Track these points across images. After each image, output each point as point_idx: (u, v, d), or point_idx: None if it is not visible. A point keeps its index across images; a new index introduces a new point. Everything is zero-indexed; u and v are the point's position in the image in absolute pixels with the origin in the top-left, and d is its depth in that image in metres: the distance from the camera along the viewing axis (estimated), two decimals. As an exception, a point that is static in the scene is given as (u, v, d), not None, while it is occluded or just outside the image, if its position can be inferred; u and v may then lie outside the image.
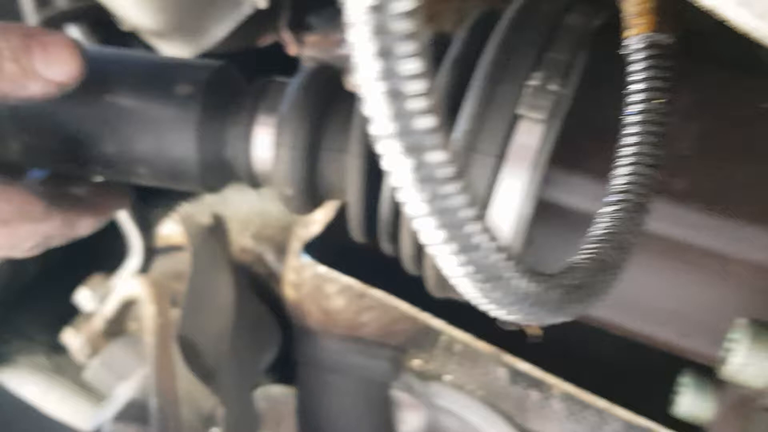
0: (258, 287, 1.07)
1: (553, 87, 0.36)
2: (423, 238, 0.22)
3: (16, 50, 0.43)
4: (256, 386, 0.97)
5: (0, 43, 0.42)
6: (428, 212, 0.21)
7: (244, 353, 0.87)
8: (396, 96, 0.19)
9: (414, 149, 0.20)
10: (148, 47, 0.98)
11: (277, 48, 1.07)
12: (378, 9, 0.18)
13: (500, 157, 0.37)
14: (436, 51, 0.45)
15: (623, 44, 0.34)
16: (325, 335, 0.80)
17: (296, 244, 0.84)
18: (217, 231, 0.91)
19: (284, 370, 1.09)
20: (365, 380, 0.80)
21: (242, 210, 1.14)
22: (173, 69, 0.50)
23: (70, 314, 1.01)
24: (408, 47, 0.18)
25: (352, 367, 0.79)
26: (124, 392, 0.81)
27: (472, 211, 0.21)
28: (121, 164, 0.50)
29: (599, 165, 0.37)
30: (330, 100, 0.48)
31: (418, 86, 0.19)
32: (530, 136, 0.36)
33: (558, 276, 0.26)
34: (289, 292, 0.85)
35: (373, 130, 0.20)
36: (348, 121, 0.47)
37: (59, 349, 1.20)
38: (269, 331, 0.99)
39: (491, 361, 1.09)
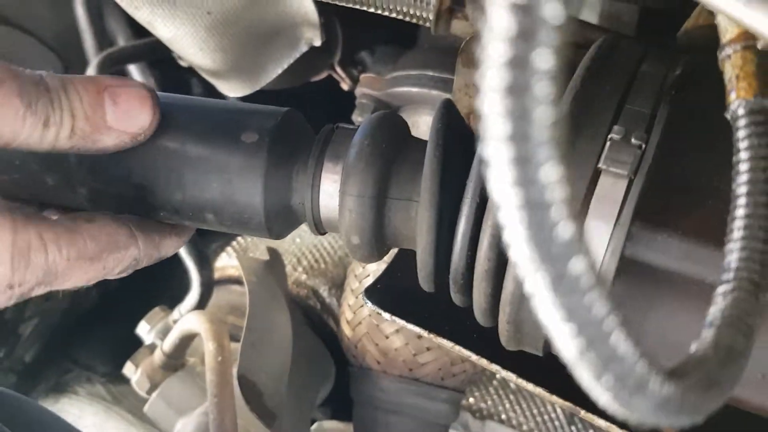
0: (312, 321, 1.07)
1: (635, 141, 0.35)
2: (556, 345, 0.21)
3: (88, 106, 0.43)
4: (312, 422, 0.97)
5: (74, 101, 0.43)
6: (565, 318, 0.20)
7: (302, 389, 0.87)
8: (535, 206, 0.18)
9: (554, 259, 0.19)
10: (205, 83, 1.00)
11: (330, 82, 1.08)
12: (517, 114, 0.17)
13: (581, 213, 0.36)
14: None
15: (725, 105, 0.33)
16: (382, 375, 0.79)
17: (354, 283, 0.84)
18: (273, 266, 0.91)
19: (337, 405, 1.08)
20: (424, 422, 0.79)
21: (295, 244, 1.15)
22: (239, 116, 0.50)
23: (129, 345, 1.03)
24: (547, 152, 0.17)
25: (411, 409, 0.78)
26: (183, 430, 0.81)
27: (615, 320, 0.20)
28: (188, 211, 0.50)
29: (686, 222, 0.36)
30: (396, 147, 0.48)
31: (559, 194, 0.18)
32: (612, 191, 0.35)
33: (691, 373, 0.24)
34: (345, 330, 0.84)
35: (506, 237, 0.19)
36: (415, 169, 0.46)
37: (118, 380, 1.22)
38: (324, 366, 0.99)
39: (548, 400, 1.07)
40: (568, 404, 0.48)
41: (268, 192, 0.48)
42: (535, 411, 1.05)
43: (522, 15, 0.16)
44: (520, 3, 0.16)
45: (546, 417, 1.04)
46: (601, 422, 0.47)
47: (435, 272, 0.46)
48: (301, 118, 0.52)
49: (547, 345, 0.43)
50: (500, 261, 0.40)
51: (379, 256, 0.50)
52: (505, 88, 0.17)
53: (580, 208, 0.36)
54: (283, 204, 0.49)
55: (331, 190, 0.48)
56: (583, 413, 0.47)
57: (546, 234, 0.18)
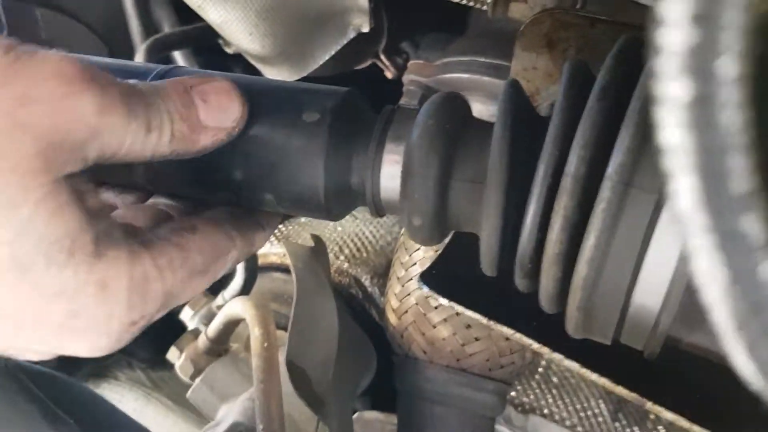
0: (354, 310, 1.06)
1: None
2: (712, 313, 0.19)
3: (182, 107, 0.43)
4: (353, 412, 0.96)
5: (168, 103, 0.42)
6: (732, 280, 0.18)
7: (346, 378, 0.86)
8: (712, 152, 0.16)
9: (726, 213, 0.17)
10: (248, 71, 1.00)
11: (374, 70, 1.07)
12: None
13: (662, 194, 0.35)
14: (578, 78, 0.43)
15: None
16: (429, 365, 0.78)
17: (400, 271, 0.83)
18: (318, 253, 0.91)
19: (377, 396, 1.08)
20: (470, 413, 0.78)
21: (337, 232, 1.14)
22: (301, 95, 0.50)
23: (169, 331, 1.03)
24: None
25: (458, 399, 0.77)
26: (228, 415, 0.81)
27: None
28: (246, 191, 0.50)
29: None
30: (460, 128, 0.46)
31: (740, 140, 0.16)
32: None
33: None
34: (391, 318, 0.83)
35: (672, 187, 0.18)
36: (481, 150, 0.45)
37: (157, 366, 1.23)
38: (366, 356, 0.98)
39: (591, 395, 1.05)
40: (634, 395, 0.47)
41: (328, 172, 0.47)
42: (578, 406, 1.04)
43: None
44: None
45: (590, 413, 1.02)
46: (668, 414, 0.45)
47: (500, 256, 0.45)
48: (362, 98, 0.51)
49: (617, 332, 0.42)
50: (572, 244, 0.39)
51: (440, 239, 0.49)
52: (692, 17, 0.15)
53: (660, 189, 0.35)
54: (343, 185, 0.49)
55: (392, 171, 0.47)
56: (649, 405, 0.46)
57: (719, 185, 0.17)
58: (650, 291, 0.38)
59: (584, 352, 0.50)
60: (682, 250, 0.35)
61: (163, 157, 0.43)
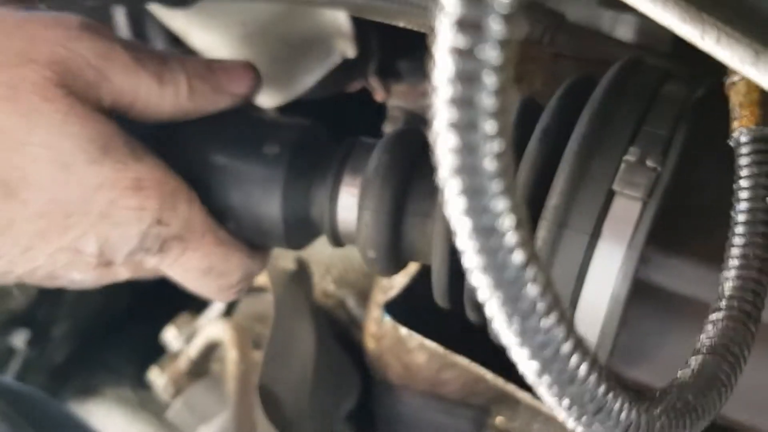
0: (338, 332, 1.07)
1: (650, 163, 0.34)
2: (519, 367, 0.21)
3: (200, 68, 0.47)
4: (334, 434, 0.97)
5: (185, 64, 0.46)
6: (520, 342, 0.20)
7: (324, 401, 0.87)
8: (487, 233, 0.18)
9: (508, 284, 0.19)
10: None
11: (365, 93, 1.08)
12: (467, 149, 0.17)
13: (594, 234, 0.35)
14: (526, 116, 0.44)
15: (729, 134, 0.32)
16: (405, 390, 0.79)
17: (379, 296, 0.83)
18: (300, 277, 0.92)
19: (363, 418, 1.08)
20: (445, 439, 0.78)
21: (325, 254, 1.15)
22: (263, 128, 0.51)
23: (157, 350, 1.04)
24: (499, 185, 0.17)
25: (433, 426, 0.77)
26: (204, 436, 0.82)
27: (571, 343, 0.20)
28: None
29: (700, 248, 0.35)
30: (414, 164, 0.47)
31: (510, 221, 0.18)
32: (626, 213, 0.34)
33: (665, 398, 0.24)
34: (369, 343, 0.84)
35: (465, 263, 0.20)
36: (433, 185, 0.46)
37: (144, 384, 1.24)
38: (349, 378, 0.98)
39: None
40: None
41: (286, 203, 0.48)
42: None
43: (464, 59, 0.18)
44: (462, 47, 0.18)
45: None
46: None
47: (450, 289, 0.46)
48: (323, 131, 0.52)
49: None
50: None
51: (396, 270, 0.50)
52: (453, 125, 0.17)
53: (592, 230, 0.35)
54: (302, 216, 0.50)
55: (349, 204, 0.48)
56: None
57: (500, 260, 0.18)
58: (586, 328, 0.38)
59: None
60: (613, 288, 0.36)
61: (186, 114, 0.47)
